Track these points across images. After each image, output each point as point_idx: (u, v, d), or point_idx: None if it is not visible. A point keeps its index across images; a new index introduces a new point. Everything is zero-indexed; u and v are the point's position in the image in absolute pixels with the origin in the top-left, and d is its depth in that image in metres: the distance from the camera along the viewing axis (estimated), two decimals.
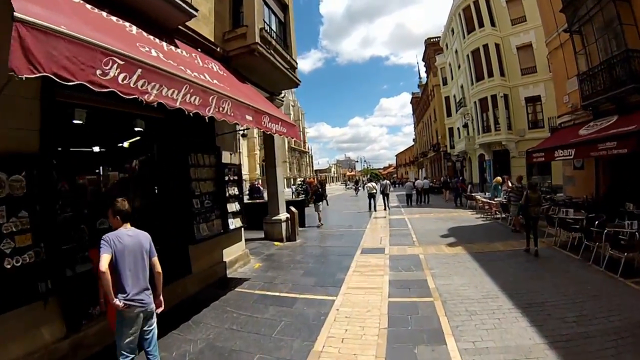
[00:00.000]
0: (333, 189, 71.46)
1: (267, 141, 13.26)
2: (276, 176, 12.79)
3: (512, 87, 26.50)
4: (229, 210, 8.45)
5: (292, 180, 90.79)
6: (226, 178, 8.50)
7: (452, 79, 39.26)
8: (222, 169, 8.36)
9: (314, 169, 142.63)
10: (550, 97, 24.51)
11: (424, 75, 68.35)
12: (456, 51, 35.41)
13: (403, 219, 17.59)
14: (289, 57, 11.08)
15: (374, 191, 23.37)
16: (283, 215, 12.72)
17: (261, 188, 28.30)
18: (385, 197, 23.31)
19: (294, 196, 27.71)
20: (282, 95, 13.39)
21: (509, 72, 26.71)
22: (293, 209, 12.83)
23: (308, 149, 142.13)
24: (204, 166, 7.78)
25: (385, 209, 22.48)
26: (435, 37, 50.01)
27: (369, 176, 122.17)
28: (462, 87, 35.10)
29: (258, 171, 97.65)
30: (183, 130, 7.02)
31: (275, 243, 12.06)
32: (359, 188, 40.36)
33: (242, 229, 9.29)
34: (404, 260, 9.07)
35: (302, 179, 31.64)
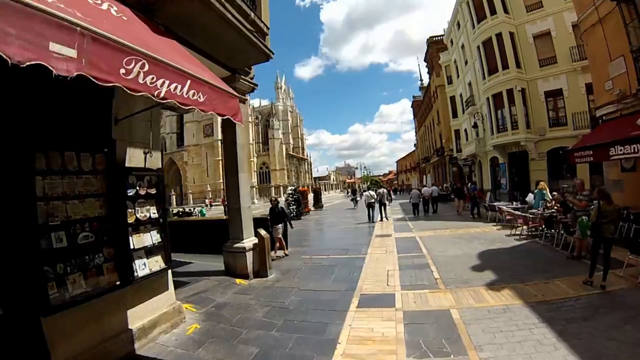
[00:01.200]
0: (331, 197, 68.22)
1: (227, 135, 9.75)
2: (239, 186, 9.35)
3: (530, 80, 23.21)
4: (137, 246, 5.10)
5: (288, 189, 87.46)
6: (130, 192, 5.09)
7: (458, 77, 36.14)
8: (121, 177, 4.99)
9: (314, 176, 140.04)
10: (573, 90, 21.60)
11: (425, 77, 65.82)
12: (462, 46, 32.32)
13: (413, 238, 14.03)
14: (253, 15, 7.81)
15: (373, 200, 21.14)
16: (248, 241, 9.24)
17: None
18: (383, 207, 21.25)
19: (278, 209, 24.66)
20: (251, 76, 9.88)
21: (525, 64, 23.44)
22: (263, 232, 9.36)
23: (307, 155, 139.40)
24: (76, 173, 4.40)
25: (381, 220, 20.68)
26: (438, 36, 47.25)
27: (368, 183, 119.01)
28: (469, 84, 31.93)
29: (254, 180, 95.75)
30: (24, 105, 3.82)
31: (238, 281, 8.63)
32: (357, 199, 36.96)
33: (169, 271, 5.94)
34: (428, 324, 5.59)
35: (293, 187, 27.78)
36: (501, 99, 23.80)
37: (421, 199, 23.87)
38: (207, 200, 64.68)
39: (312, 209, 33.44)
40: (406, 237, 14.43)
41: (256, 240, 9.29)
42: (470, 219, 18.42)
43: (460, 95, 36.01)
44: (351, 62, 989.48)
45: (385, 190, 22.94)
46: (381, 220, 20.77)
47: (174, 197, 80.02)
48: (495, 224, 15.74)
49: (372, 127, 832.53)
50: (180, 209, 34.84)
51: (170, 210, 40.38)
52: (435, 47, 46.93)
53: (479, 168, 32.20)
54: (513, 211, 13.97)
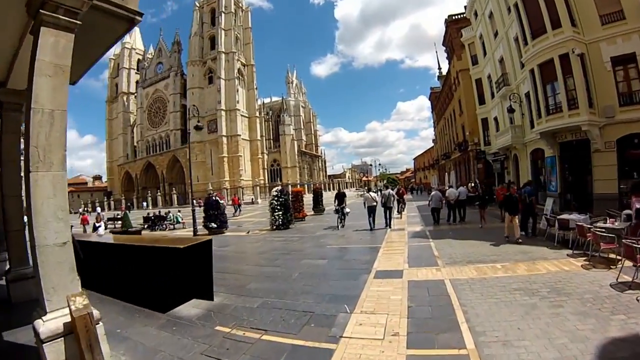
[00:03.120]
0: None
1: None
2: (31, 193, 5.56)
3: (589, 42, 17.12)
4: None
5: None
6: None
7: (485, 55, 30.12)
8: None
9: (328, 174, 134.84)
10: None
11: (445, 66, 59.46)
12: (490, 14, 26.46)
13: (440, 286, 7.70)
14: None
15: (374, 204, 17.62)
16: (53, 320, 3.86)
17: (222, 202, 21.71)
18: (388, 211, 18.07)
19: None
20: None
21: (582, 22, 17.36)
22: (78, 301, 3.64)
23: (321, 152, 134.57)
24: None
25: (387, 226, 17.49)
26: (457, 14, 41.34)
27: (384, 182, 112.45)
28: (501, 60, 26.03)
29: (263, 177, 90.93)
30: None
31: None
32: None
33: None
34: None
35: (280, 187, 21.72)
36: (552, 69, 17.60)
37: (443, 203, 18.66)
38: (195, 201, 59.45)
39: (312, 212, 28.26)
40: (428, 280, 8.27)
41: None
42: (523, 237, 12.21)
43: (489, 77, 29.98)
44: (367, 59, 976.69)
45: (391, 192, 19.30)
46: (387, 226, 17.43)
47: (175, 196, 75.45)
48: (570, 252, 9.71)
49: (389, 125, 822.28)
50: (155, 212, 29.58)
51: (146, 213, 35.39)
52: (454, 27, 40.85)
53: (514, 164, 26.14)
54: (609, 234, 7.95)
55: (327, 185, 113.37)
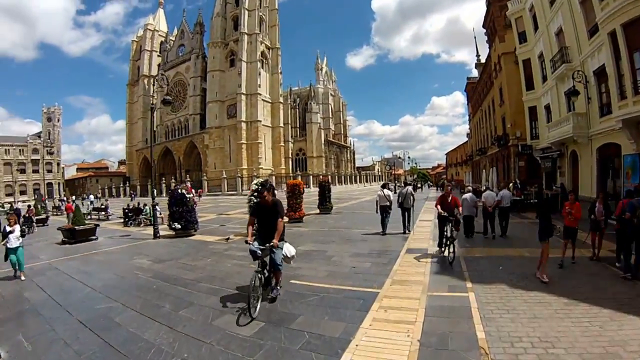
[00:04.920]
0: (364, 191, 57.70)
1: None
2: None
3: None
4: None
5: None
6: None
7: (537, 29, 24.84)
8: None
9: (357, 165, 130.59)
10: None
11: (483, 53, 53.33)
12: None
13: None
14: None
15: (387, 204, 14.61)
16: None
17: (188, 195, 16.96)
18: (406, 213, 14.59)
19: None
20: None
21: None
22: None
23: (350, 143, 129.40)
24: None
25: (404, 232, 14.27)
26: None
27: (415, 176, 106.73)
28: (558, 33, 20.96)
29: (285, 166, 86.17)
30: None
31: None
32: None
33: None
34: None
35: (262, 180, 17.68)
36: None
37: (478, 209, 13.99)
38: (188, 185, 56.18)
39: (316, 211, 23.68)
40: None
41: None
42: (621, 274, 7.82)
43: (540, 56, 24.73)
44: (403, 52, 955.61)
45: (410, 190, 15.34)
46: (404, 232, 14.21)
47: (189, 183, 72.01)
48: None
49: (422, 119, 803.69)
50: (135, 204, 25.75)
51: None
52: (497, 4, 35.33)
53: (571, 162, 20.89)
54: None
55: (354, 177, 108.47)
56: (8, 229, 9.93)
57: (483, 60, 50.31)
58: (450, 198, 10.41)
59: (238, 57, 76.34)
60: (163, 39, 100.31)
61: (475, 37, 63.59)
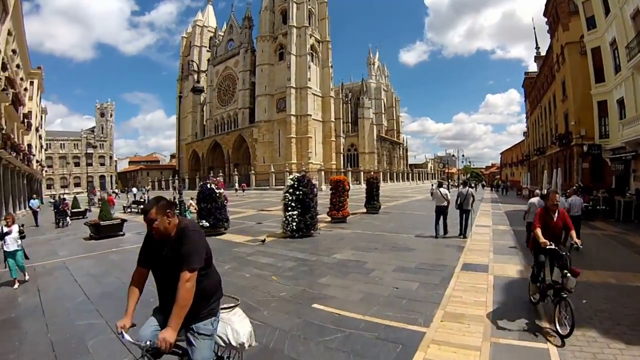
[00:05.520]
0: (415, 190, 56.35)
1: None
2: None
3: None
4: None
5: (359, 175, 75.09)
6: None
7: (608, 13, 22.06)
8: None
9: (409, 163, 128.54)
10: None
11: (543, 44, 49.40)
12: None
13: None
14: None
15: (444, 204, 13.20)
16: None
17: (218, 190, 15.47)
18: (465, 215, 13.09)
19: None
20: None
21: None
22: None
23: (403, 140, 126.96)
24: None
25: (461, 235, 12.86)
26: None
27: (468, 175, 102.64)
28: (636, 13, 18.50)
29: (336, 161, 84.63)
30: None
31: None
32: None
33: None
34: None
35: (299, 175, 15.24)
36: None
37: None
38: (219, 180, 55.77)
39: (362, 210, 22.02)
40: None
41: None
42: None
43: (612, 43, 21.98)
44: (456, 47, 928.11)
45: (471, 190, 13.56)
46: (460, 235, 12.88)
47: (236, 177, 72.28)
48: None
49: (476, 117, 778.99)
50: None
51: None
52: None
53: None
54: None
55: (406, 175, 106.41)
56: (5, 229, 8.91)
57: (543, 53, 46.75)
58: (556, 216, 6.12)
59: (287, 50, 75.83)
60: (212, 34, 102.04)
61: (534, 29, 59.01)
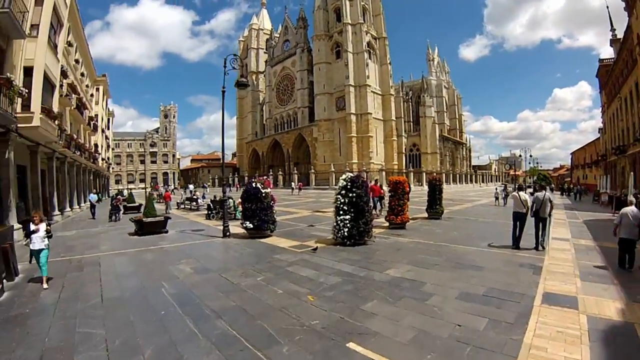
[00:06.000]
0: (480, 193, 53.74)
1: None
2: None
3: None
4: None
5: (422, 176, 72.83)
6: None
7: None
8: None
9: (472, 164, 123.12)
10: None
11: (619, 25, 44.77)
12: None
13: None
14: None
15: (524, 210, 11.66)
16: None
17: (264, 190, 14.79)
18: (541, 224, 11.59)
19: None
20: None
21: None
22: None
23: (466, 139, 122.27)
24: None
25: (536, 248, 11.37)
26: None
27: (534, 178, 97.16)
28: None
29: (398, 161, 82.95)
30: None
31: None
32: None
33: None
34: None
35: (352, 175, 13.89)
36: None
37: None
38: (267, 179, 55.06)
39: (423, 215, 20.44)
40: None
41: None
42: None
43: None
44: (518, 39, 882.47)
45: (548, 195, 11.95)
46: (536, 248, 11.40)
47: (296, 176, 72.37)
48: None
49: (543, 115, 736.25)
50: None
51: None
52: None
53: None
54: None
55: (470, 176, 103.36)
56: (32, 227, 8.69)
57: (620, 36, 41.87)
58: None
59: (343, 48, 75.59)
60: (268, 36, 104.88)
61: (607, 7, 52.87)
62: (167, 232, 16.41)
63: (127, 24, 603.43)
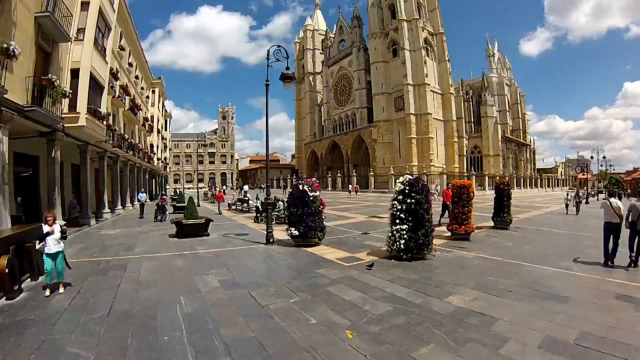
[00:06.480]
0: (547, 199, 48.92)
1: None
2: None
3: None
4: None
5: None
6: None
7: None
8: None
9: (537, 167, 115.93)
10: None
11: None
12: None
13: None
14: None
15: (617, 220, 9.81)
16: None
17: (312, 193, 13.29)
18: (637, 238, 9.51)
19: None
20: None
21: None
22: None
23: (530, 141, 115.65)
24: None
25: (630, 264, 9.52)
26: None
27: (605, 182, 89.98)
28: None
29: (459, 164, 79.28)
30: None
31: None
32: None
33: None
34: None
35: (411, 177, 11.56)
36: None
37: None
38: (315, 181, 52.82)
39: (489, 224, 18.24)
40: None
41: None
42: None
43: None
44: (583, 29, 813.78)
45: (637, 203, 9.88)
46: (632, 265, 9.55)
47: (355, 178, 71.11)
48: None
49: (613, 112, 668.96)
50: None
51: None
52: None
53: None
54: None
55: (535, 180, 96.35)
56: (46, 229, 7.89)
57: None
58: None
59: (400, 45, 73.34)
60: (323, 37, 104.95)
61: None
62: (208, 235, 15.80)
63: (187, 31, 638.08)
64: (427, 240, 10.90)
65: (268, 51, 14.36)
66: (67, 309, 6.85)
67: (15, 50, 10.95)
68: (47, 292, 7.63)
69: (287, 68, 14.32)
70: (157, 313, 6.62)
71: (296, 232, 12.96)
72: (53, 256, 7.82)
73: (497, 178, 28.35)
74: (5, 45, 10.62)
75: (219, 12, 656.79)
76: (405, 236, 10.62)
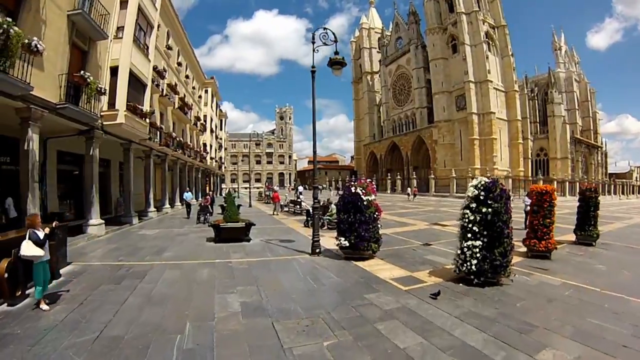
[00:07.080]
0: (624, 207, 42.55)
1: None
2: None
3: None
4: None
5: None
6: None
7: None
8: None
9: (609, 171, 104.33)
10: None
11: None
12: None
13: None
14: None
15: None
16: None
17: (366, 197, 11.21)
18: None
19: None
20: None
21: None
22: None
23: (601, 142, 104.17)
24: None
25: None
26: None
27: None
28: None
29: (524, 167, 73.21)
30: None
31: None
32: None
33: None
34: None
35: (486, 181, 9.05)
36: None
37: None
38: (370, 182, 49.70)
39: (571, 238, 15.13)
40: None
41: None
42: None
43: None
44: None
45: None
46: None
47: (415, 181, 68.64)
48: None
49: None
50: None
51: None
52: None
53: None
54: None
55: (607, 186, 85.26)
56: (40, 235, 6.95)
57: None
58: None
59: (460, 40, 69.00)
60: (379, 35, 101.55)
61: None
62: (249, 240, 14.43)
63: (244, 36, 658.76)
64: (506, 262, 8.71)
65: (313, 34, 12.73)
66: (58, 325, 6.09)
67: (38, 45, 10.45)
68: (45, 307, 6.73)
69: (337, 52, 12.54)
70: (150, 344, 5.40)
71: (346, 243, 11.15)
72: (47, 264, 7.11)
73: (592, 183, 24.72)
74: (27, 41, 10.11)
75: (275, 16, 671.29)
76: (477, 255, 8.50)
